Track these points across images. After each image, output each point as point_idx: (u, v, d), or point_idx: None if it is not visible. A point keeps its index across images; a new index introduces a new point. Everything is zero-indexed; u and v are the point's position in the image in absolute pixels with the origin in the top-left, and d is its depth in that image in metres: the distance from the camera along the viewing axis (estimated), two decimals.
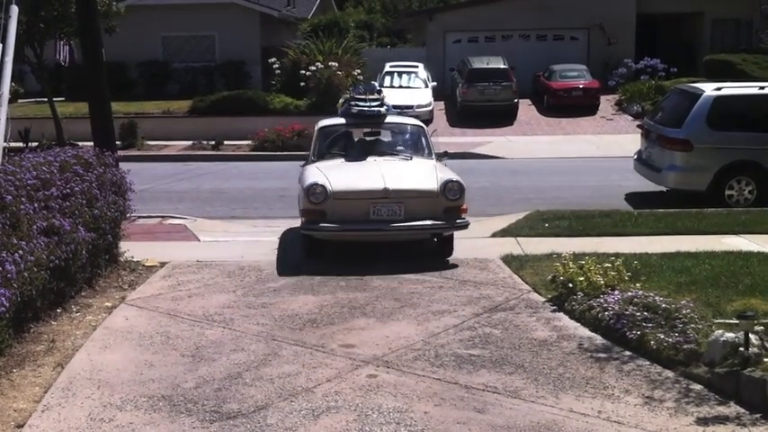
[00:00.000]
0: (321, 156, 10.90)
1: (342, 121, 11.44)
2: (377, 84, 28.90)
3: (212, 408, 5.55)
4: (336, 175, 9.95)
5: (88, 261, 8.20)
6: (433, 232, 9.85)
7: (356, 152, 10.90)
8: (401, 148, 11.20)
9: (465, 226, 9.78)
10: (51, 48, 23.71)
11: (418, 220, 9.56)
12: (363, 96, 11.39)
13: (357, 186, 9.74)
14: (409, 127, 11.60)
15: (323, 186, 9.59)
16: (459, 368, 6.21)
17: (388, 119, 11.40)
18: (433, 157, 11.01)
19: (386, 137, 11.42)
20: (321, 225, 9.54)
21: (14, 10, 10.09)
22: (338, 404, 5.58)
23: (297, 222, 10.44)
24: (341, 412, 5.46)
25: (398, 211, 9.56)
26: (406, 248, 10.12)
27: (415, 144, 11.24)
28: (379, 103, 11.36)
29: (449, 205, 9.66)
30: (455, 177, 9.93)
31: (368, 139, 11.24)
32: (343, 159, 10.79)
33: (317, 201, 9.56)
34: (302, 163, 11.27)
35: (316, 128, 11.57)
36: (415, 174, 10.23)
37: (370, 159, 10.62)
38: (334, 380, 5.99)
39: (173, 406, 5.59)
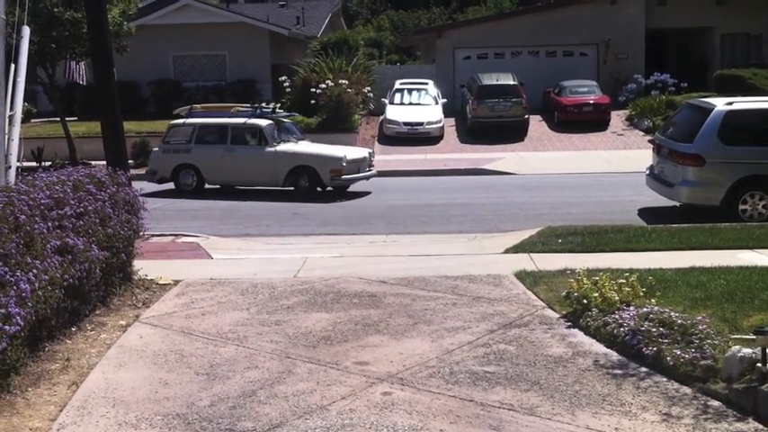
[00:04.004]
0: (278, 142, 18.55)
1: (270, 122, 18.86)
2: (387, 100, 29.40)
3: (227, 426, 5.53)
4: (340, 152, 18.35)
5: (102, 279, 8.21)
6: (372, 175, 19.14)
7: (283, 138, 18.86)
8: (295, 135, 19.58)
9: (374, 174, 19.27)
10: (63, 68, 23.89)
11: (367, 171, 18.98)
12: (269, 107, 19.82)
13: (358, 156, 18.74)
14: (292, 122, 20.53)
15: (345, 157, 17.93)
16: (474, 385, 6.18)
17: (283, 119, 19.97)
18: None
19: (286, 129, 19.48)
20: (343, 177, 17.87)
21: (26, 31, 10.16)
22: (353, 422, 5.55)
23: (308, 240, 12.20)
24: (356, 430, 5.43)
25: (366, 166, 18.88)
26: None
27: (297, 132, 20.09)
28: (278, 110, 20.27)
29: (370, 162, 19.17)
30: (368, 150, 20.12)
31: (281, 130, 19.21)
32: (283, 143, 18.75)
33: (343, 165, 17.74)
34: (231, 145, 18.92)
35: (223, 125, 19.10)
36: (358, 149, 20.29)
37: (287, 142, 18.82)
38: (348, 397, 5.97)
39: (187, 424, 5.58)
